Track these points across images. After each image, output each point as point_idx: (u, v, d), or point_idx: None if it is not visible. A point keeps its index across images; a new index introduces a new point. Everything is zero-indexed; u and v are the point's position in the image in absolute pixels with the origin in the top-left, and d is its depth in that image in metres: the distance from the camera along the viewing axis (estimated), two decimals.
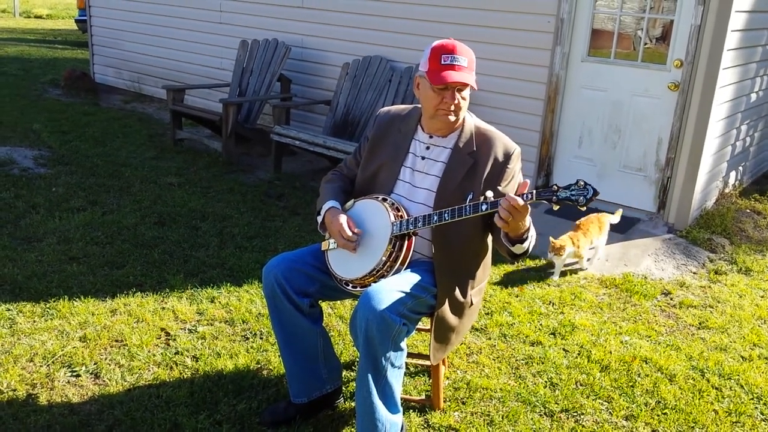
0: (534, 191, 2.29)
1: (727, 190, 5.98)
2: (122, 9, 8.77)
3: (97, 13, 9.18)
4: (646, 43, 5.23)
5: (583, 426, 2.94)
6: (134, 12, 8.63)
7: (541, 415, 2.98)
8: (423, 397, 3.04)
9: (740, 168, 6.25)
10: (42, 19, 19.77)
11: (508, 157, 2.60)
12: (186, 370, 3.14)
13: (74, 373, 3.07)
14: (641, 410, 3.05)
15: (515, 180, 2.63)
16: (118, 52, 9.04)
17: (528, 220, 2.38)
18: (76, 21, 14.79)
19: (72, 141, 6.73)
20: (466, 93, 2.57)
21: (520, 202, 2.26)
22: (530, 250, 2.53)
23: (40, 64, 11.25)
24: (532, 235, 2.48)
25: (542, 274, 4.44)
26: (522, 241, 2.44)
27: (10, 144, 6.45)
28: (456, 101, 2.53)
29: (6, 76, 9.99)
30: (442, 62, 2.50)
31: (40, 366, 3.10)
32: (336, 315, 3.71)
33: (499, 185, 2.57)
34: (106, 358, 3.19)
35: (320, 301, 2.81)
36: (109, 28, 9.05)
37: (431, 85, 2.52)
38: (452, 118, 2.58)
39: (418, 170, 2.68)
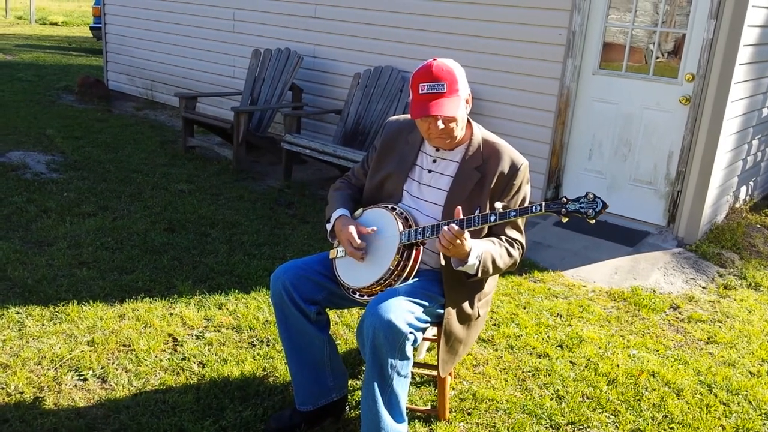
0: (543, 203, 2.31)
1: (737, 205, 5.95)
2: (136, 17, 8.85)
3: (112, 21, 9.27)
4: (657, 57, 5.23)
5: None
6: (148, 20, 8.71)
7: (547, 428, 2.97)
8: (428, 407, 3.04)
9: (751, 183, 6.22)
10: (57, 26, 19.96)
11: (514, 171, 2.60)
12: (192, 375, 3.15)
13: (81, 377, 3.08)
14: (648, 424, 3.03)
15: (520, 194, 2.63)
16: (131, 59, 9.12)
17: (468, 244, 2.38)
18: (91, 28, 14.93)
19: (84, 147, 6.78)
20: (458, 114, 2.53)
21: (456, 227, 2.30)
22: (490, 271, 2.51)
23: (55, 71, 11.35)
24: (484, 257, 2.46)
25: (550, 285, 4.43)
26: (466, 263, 2.43)
27: (24, 149, 6.50)
28: (441, 128, 2.51)
29: (21, 81, 10.09)
30: (420, 91, 2.49)
31: (48, 369, 3.12)
32: (343, 323, 3.71)
33: (503, 200, 2.57)
34: (113, 363, 3.21)
35: (327, 309, 2.81)
36: (123, 35, 9.13)
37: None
38: (447, 141, 2.58)
39: (425, 183, 2.68)
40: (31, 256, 4.22)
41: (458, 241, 2.33)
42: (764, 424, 3.12)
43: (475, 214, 2.37)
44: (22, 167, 5.93)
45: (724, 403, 3.25)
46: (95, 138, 7.16)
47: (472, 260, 2.42)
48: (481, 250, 2.46)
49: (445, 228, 2.33)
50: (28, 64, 11.93)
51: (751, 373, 3.55)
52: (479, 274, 2.49)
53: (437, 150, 2.68)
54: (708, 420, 3.10)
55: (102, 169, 6.08)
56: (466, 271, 2.48)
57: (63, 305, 3.66)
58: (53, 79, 10.45)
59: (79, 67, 11.95)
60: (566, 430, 2.97)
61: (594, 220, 2.26)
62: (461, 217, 2.36)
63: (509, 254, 2.59)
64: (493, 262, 2.51)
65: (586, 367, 3.47)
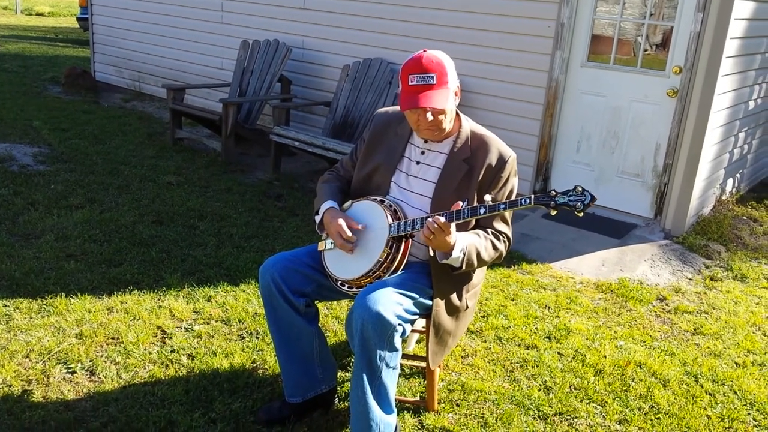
0: (532, 196, 2.32)
1: (724, 197, 5.99)
2: (124, 8, 8.78)
3: (99, 12, 9.20)
4: (645, 50, 5.25)
5: (576, 429, 2.94)
6: (136, 11, 8.64)
7: (534, 418, 2.99)
8: (417, 398, 3.05)
9: (737, 175, 6.27)
10: (44, 16, 19.79)
11: (501, 163, 2.61)
12: (181, 368, 3.15)
13: (70, 370, 3.07)
14: (635, 415, 3.06)
15: (507, 187, 2.64)
16: (119, 50, 9.05)
17: (453, 237, 2.39)
18: (78, 19, 14.81)
19: (71, 139, 6.74)
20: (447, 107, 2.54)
21: (442, 219, 2.31)
22: (474, 264, 2.52)
23: (41, 62, 11.25)
24: (468, 250, 2.48)
25: (538, 277, 4.45)
26: (450, 256, 2.44)
27: (10, 141, 6.45)
28: (430, 120, 2.52)
29: (7, 72, 10.00)
30: (410, 83, 2.50)
31: (36, 362, 3.11)
32: (332, 315, 3.72)
33: (491, 192, 2.59)
34: (101, 356, 3.20)
35: (316, 302, 2.82)
36: (111, 26, 9.07)
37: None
38: (435, 133, 2.59)
39: (413, 175, 2.69)
40: (18, 248, 4.20)
41: (442, 232, 2.34)
42: (749, 413, 3.16)
43: (463, 206, 2.38)
44: (8, 159, 5.88)
45: (710, 394, 3.28)
46: (82, 130, 7.11)
47: (456, 253, 2.44)
48: (465, 244, 2.47)
49: (430, 220, 2.34)
50: (14, 54, 11.82)
51: (736, 363, 3.59)
52: (464, 267, 2.50)
53: (426, 142, 2.69)
54: (694, 410, 3.13)
55: (89, 161, 6.05)
56: (450, 264, 2.49)
57: (51, 298, 3.65)
58: (40, 70, 10.36)
59: (65, 58, 11.86)
60: (554, 420, 2.99)
61: (582, 213, 2.28)
62: (460, 209, 2.36)
63: (495, 247, 2.60)
64: (478, 255, 2.52)
65: (573, 358, 3.50)
